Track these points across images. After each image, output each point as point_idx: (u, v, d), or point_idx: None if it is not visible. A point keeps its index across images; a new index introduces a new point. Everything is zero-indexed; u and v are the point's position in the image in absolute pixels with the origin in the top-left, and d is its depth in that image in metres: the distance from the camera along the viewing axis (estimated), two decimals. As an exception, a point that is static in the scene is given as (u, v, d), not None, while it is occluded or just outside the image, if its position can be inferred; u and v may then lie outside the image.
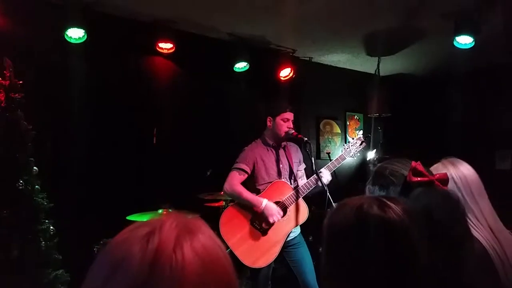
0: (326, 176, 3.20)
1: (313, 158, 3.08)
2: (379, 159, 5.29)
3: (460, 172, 1.59)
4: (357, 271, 0.95)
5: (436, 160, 1.65)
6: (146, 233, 0.60)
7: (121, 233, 0.62)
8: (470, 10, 3.82)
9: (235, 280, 0.63)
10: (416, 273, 0.95)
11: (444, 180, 1.16)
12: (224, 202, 3.69)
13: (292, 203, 3.18)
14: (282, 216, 3.15)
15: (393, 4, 3.77)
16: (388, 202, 1.00)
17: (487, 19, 3.90)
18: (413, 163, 1.15)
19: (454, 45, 4.13)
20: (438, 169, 1.57)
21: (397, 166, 1.21)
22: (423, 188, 1.12)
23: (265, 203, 3.08)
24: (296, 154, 3.42)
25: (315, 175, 3.11)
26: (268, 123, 3.32)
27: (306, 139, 3.16)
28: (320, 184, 3.06)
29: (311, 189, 3.18)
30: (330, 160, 3.35)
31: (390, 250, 0.94)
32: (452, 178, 1.55)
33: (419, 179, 1.12)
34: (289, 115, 3.27)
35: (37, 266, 2.82)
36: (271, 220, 3.10)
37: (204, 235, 0.62)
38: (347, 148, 3.37)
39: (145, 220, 0.65)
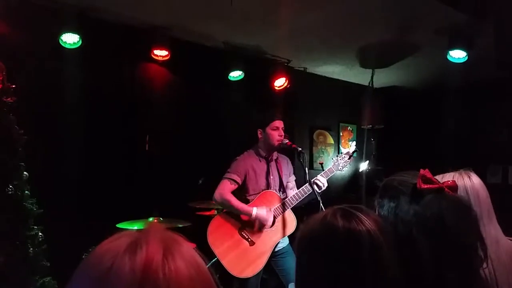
0: (323, 182, 3.18)
1: (306, 168, 3.08)
2: (373, 171, 5.30)
3: (474, 189, 1.52)
4: (326, 282, 0.95)
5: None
6: (130, 243, 0.58)
7: (100, 246, 0.60)
8: (464, 25, 3.86)
9: None
10: (384, 283, 0.94)
11: (454, 187, 1.16)
12: (215, 211, 3.66)
13: (280, 214, 3.18)
14: (271, 226, 3.15)
15: (388, 18, 3.81)
16: (352, 211, 1.00)
17: (480, 34, 3.95)
18: (422, 171, 1.15)
19: (447, 59, 4.17)
20: (454, 178, 1.53)
21: (405, 177, 1.21)
22: (434, 194, 1.11)
23: (256, 211, 3.08)
24: (287, 167, 3.42)
25: (307, 184, 3.11)
26: (259, 136, 3.29)
27: (300, 149, 3.15)
28: (313, 193, 3.06)
29: (302, 198, 3.17)
30: (323, 171, 3.34)
31: (354, 259, 0.94)
32: (466, 191, 1.51)
33: (429, 186, 1.12)
34: (279, 123, 3.25)
35: (25, 273, 2.76)
36: (265, 227, 3.10)
37: (188, 245, 0.63)
38: (336, 162, 3.37)
39: (135, 227, 0.64)
